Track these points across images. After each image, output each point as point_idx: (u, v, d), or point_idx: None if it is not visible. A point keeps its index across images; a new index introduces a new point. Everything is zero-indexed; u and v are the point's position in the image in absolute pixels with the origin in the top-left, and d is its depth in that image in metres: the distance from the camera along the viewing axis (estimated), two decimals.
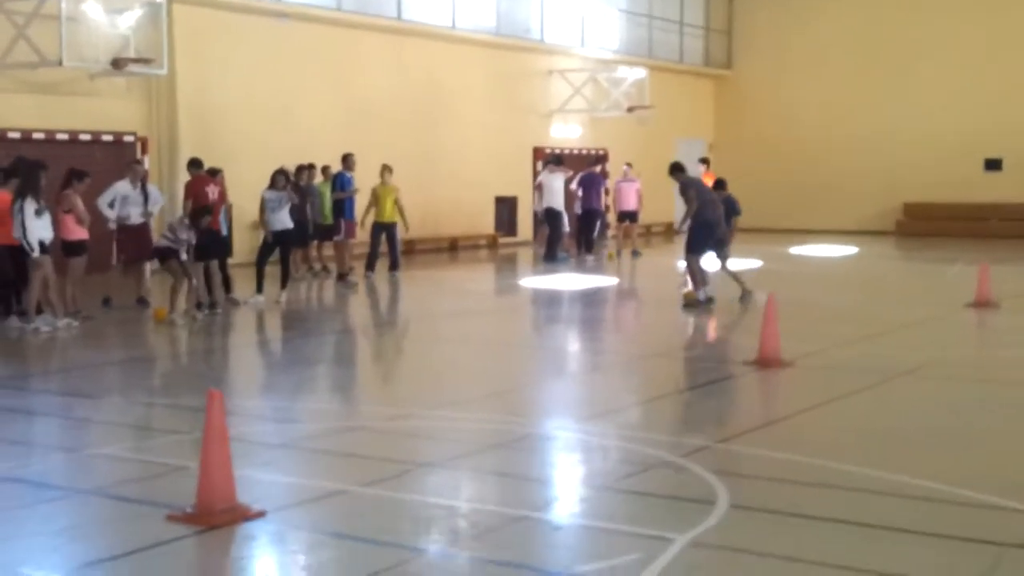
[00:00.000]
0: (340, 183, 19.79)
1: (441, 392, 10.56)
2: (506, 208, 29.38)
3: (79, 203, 14.46)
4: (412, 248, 25.64)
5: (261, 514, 6.39)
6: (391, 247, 19.82)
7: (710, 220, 15.95)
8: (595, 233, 24.38)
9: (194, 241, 14.69)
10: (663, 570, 5.54)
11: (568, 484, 7.33)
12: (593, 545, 6.04)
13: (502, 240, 28.74)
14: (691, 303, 15.73)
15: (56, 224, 14.01)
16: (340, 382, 11.54)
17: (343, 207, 19.73)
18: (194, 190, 16.26)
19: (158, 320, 14.35)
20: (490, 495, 7.04)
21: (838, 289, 19.26)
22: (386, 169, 19.64)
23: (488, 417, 9.23)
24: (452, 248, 27.20)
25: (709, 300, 15.82)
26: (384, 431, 8.80)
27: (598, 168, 25.35)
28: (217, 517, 6.30)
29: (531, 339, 14.69)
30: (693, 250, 15.97)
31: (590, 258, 23.75)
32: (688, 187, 16.10)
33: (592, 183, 24.22)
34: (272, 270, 16.55)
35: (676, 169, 16.43)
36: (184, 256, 14.58)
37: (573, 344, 14.23)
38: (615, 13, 32.89)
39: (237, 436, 7.64)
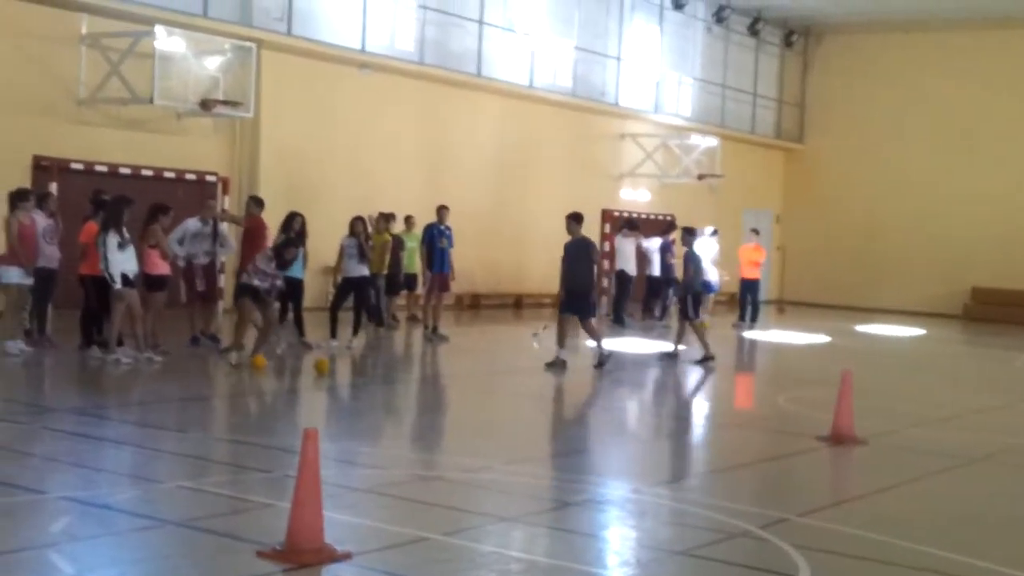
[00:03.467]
0: (431, 234, 19.29)
1: (516, 447, 10.63)
2: None
3: (163, 238, 14.74)
4: (477, 303, 25.82)
5: (348, 556, 6.48)
6: (377, 299, 19.10)
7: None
8: (667, 300, 24.19)
9: (280, 280, 14.53)
10: None
11: (647, 548, 7.33)
12: None
13: None
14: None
15: (140, 258, 14.28)
16: (417, 430, 11.68)
17: (433, 260, 19.11)
18: (252, 231, 16.28)
19: (257, 368, 13.97)
20: (569, 553, 7.07)
21: (908, 370, 19.18)
22: (383, 218, 19.26)
23: (563, 475, 9.29)
24: (517, 305, 27.31)
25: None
26: (463, 482, 8.88)
27: (672, 235, 25.32)
28: (306, 556, 6.39)
29: (601, 400, 14.72)
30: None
31: (659, 324, 23.70)
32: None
33: (667, 249, 24.21)
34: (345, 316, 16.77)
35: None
36: (268, 293, 14.33)
37: (643, 408, 14.26)
38: (689, 81, 33.13)
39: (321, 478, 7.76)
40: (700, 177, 30.79)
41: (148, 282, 14.57)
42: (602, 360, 15.62)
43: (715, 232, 25.22)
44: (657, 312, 24.28)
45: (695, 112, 33.32)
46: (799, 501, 8.91)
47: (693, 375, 18.01)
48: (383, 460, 9.54)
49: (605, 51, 30.18)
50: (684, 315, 17.71)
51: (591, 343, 16.02)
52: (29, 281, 14.10)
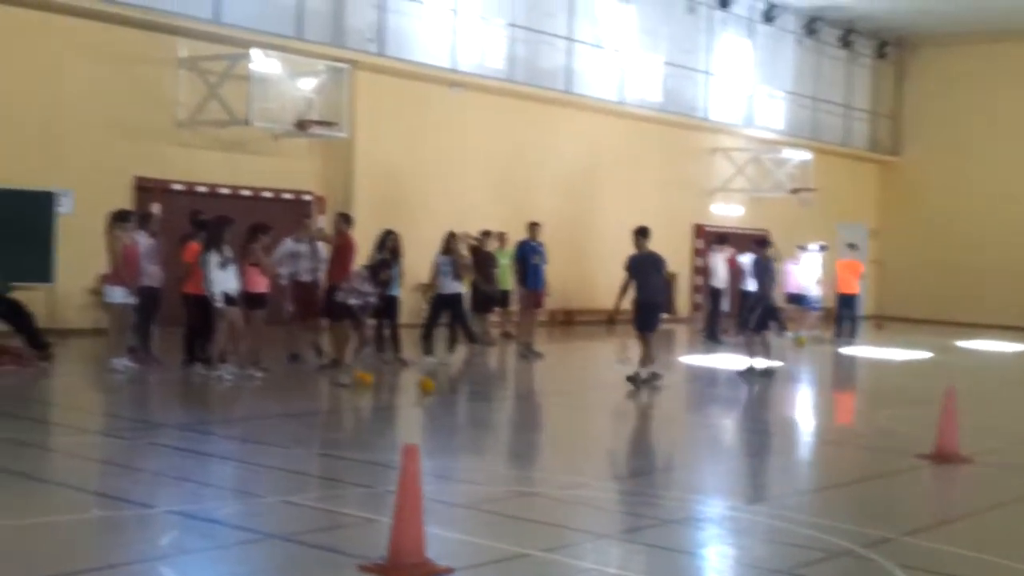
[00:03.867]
0: (524, 251, 19.21)
1: (613, 463, 10.63)
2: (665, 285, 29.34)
3: (263, 256, 14.97)
4: (570, 319, 25.82)
5: (448, 571, 6.52)
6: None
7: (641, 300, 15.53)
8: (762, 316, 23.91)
9: (375, 298, 14.63)
10: None
11: (747, 566, 7.26)
12: None
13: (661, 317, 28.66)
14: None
15: (241, 276, 14.52)
16: (514, 447, 11.72)
17: (527, 276, 19.07)
18: (341, 248, 16.27)
19: (364, 385, 14.04)
20: (668, 571, 7.04)
21: (1012, 386, 18.72)
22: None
23: (661, 492, 9.26)
24: (610, 321, 27.16)
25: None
26: (560, 499, 8.89)
27: (769, 249, 24.97)
28: (407, 571, 6.44)
29: (698, 417, 14.65)
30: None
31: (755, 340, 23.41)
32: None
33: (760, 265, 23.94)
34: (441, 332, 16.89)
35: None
36: (364, 310, 14.39)
37: (740, 424, 14.14)
38: (780, 94, 32.86)
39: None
40: (793, 191, 30.49)
41: (249, 300, 14.81)
42: (641, 378, 15.04)
43: (823, 247, 24.95)
44: (745, 326, 24.00)
45: (787, 125, 33.03)
46: (903, 520, 8.76)
47: (788, 391, 17.84)
48: (481, 476, 9.59)
49: (695, 65, 30.07)
50: (745, 325, 17.92)
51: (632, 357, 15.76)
52: (132, 300, 14.42)
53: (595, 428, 13.05)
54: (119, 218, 14.72)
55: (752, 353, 17.44)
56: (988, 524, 8.69)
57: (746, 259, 24.03)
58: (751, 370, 17.28)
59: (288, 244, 16.30)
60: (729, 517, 8.52)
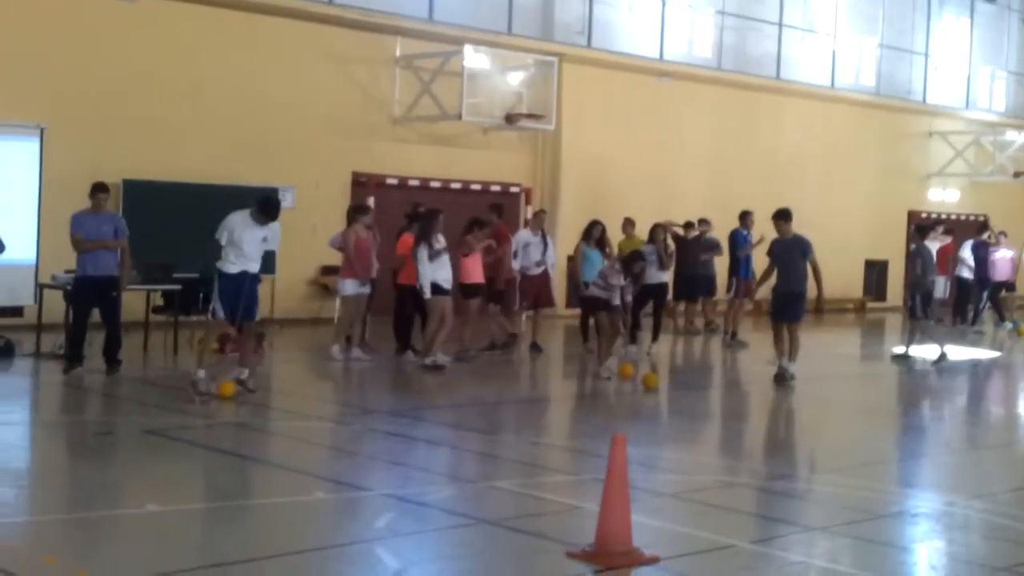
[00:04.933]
0: (736, 240, 19.21)
1: (821, 455, 10.48)
2: (876, 272, 28.62)
3: (476, 245, 15.28)
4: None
5: (655, 559, 6.58)
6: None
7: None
8: (981, 303, 23.11)
9: (630, 291, 14.45)
10: None
11: (964, 562, 7.05)
12: None
13: (870, 304, 28.00)
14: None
15: (457, 268, 14.88)
16: (719, 437, 11.71)
17: (738, 265, 19.04)
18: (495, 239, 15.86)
19: (626, 377, 13.99)
20: (884, 566, 6.91)
21: None
22: (628, 223, 18.71)
23: (871, 486, 9.09)
24: (817, 311, 26.62)
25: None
26: (768, 490, 8.85)
27: (986, 235, 24.08)
28: (615, 559, 6.54)
29: (908, 409, 14.28)
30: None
31: (971, 329, 22.66)
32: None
33: (979, 251, 23.09)
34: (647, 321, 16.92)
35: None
36: (616, 303, 14.18)
37: (953, 416, 13.72)
38: (1003, 74, 31.51)
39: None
40: (1016, 175, 29.19)
41: (463, 290, 15.17)
42: (785, 375, 14.22)
43: (1003, 234, 23.92)
44: (970, 316, 23.19)
45: (1010, 107, 31.64)
46: None
47: (1006, 383, 17.19)
48: (687, 466, 9.61)
49: (911, 47, 29.13)
50: (912, 314, 17.28)
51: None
52: (366, 291, 14.92)
53: (800, 419, 12.91)
54: (357, 212, 15.24)
55: (913, 340, 17.31)
56: None
57: (964, 247, 23.24)
58: (942, 357, 16.89)
59: (522, 235, 16.58)
60: (945, 512, 8.30)
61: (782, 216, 14.63)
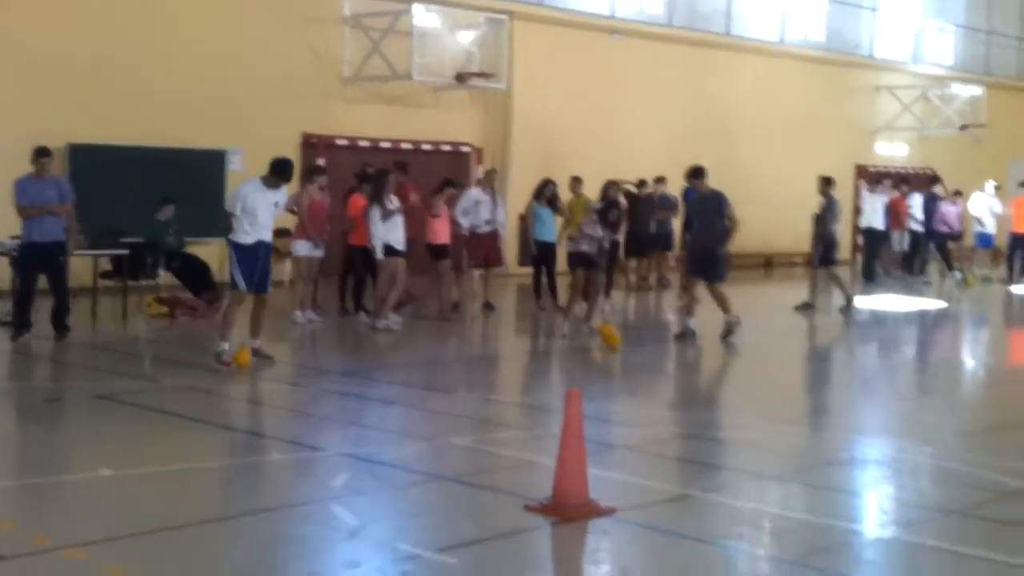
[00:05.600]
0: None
1: (772, 406, 10.57)
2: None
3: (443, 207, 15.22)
4: (728, 264, 25.55)
5: (612, 511, 6.63)
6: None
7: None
8: (927, 255, 23.41)
9: (607, 242, 14.32)
10: None
11: (917, 507, 7.17)
12: (955, 569, 5.93)
13: None
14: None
15: (424, 228, 14.89)
16: (672, 390, 11.80)
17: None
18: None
19: (609, 340, 13.34)
20: (836, 511, 6.99)
21: None
22: (576, 181, 18.36)
23: (822, 434, 9.21)
24: (767, 265, 26.91)
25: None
26: (722, 441, 8.94)
27: (936, 188, 24.30)
28: (572, 511, 6.58)
29: (855, 357, 14.44)
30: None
31: (919, 280, 22.95)
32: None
33: (929, 204, 23.32)
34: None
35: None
36: (597, 256, 13.99)
37: (901, 365, 13.89)
38: (951, 28, 31.72)
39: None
40: (963, 128, 29.48)
41: (432, 251, 15.12)
42: (730, 329, 13.97)
43: (998, 187, 24.21)
44: (917, 267, 23.50)
45: (957, 60, 31.89)
46: None
47: (955, 332, 17.43)
48: (641, 419, 9.67)
49: (859, 2, 29.24)
50: (817, 263, 17.91)
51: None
52: (319, 253, 14.83)
53: (752, 371, 12.99)
54: (311, 173, 15.11)
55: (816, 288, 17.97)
56: None
57: (914, 199, 23.48)
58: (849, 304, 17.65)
59: (472, 193, 16.53)
60: (896, 458, 8.42)
61: (695, 175, 14.37)
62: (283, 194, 11.61)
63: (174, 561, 5.78)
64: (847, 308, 17.52)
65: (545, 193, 16.53)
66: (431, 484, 7.34)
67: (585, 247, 13.94)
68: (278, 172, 11.35)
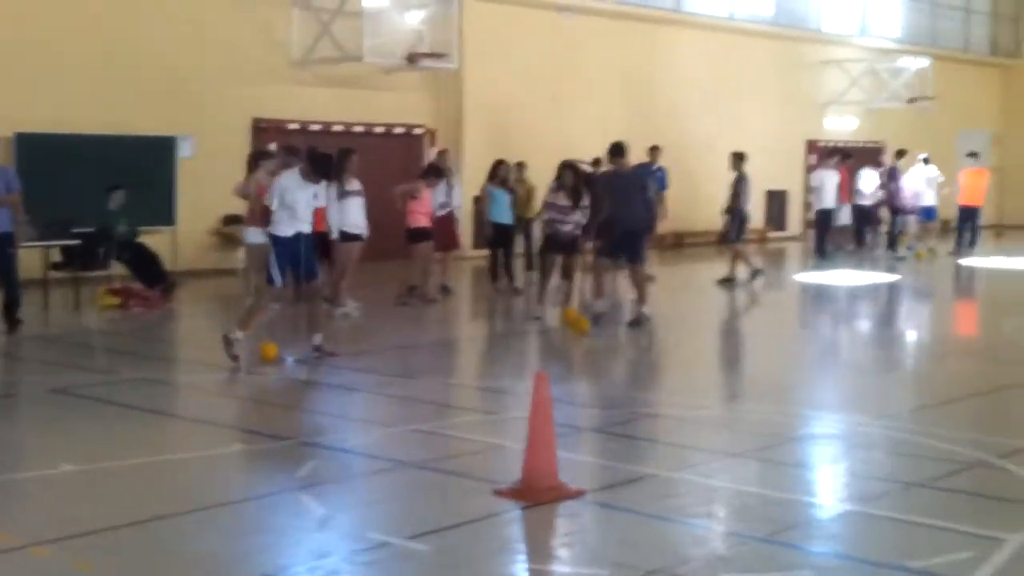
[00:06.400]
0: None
1: (731, 383, 10.64)
2: (776, 202, 29.01)
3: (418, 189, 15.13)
4: (680, 241, 25.67)
5: (581, 493, 6.63)
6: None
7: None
8: (896, 230, 23.59)
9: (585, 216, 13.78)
10: (998, 570, 5.45)
11: (881, 479, 7.22)
12: (919, 540, 5.95)
13: (772, 235, 28.41)
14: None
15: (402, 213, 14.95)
16: (631, 371, 11.81)
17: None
18: None
19: (575, 326, 13.20)
20: (802, 487, 7.06)
21: None
22: (518, 167, 18.29)
23: (785, 410, 9.25)
24: (720, 241, 26.98)
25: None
26: (684, 419, 8.94)
27: (892, 162, 24.38)
28: (542, 494, 6.56)
29: (815, 334, 14.54)
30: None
31: (871, 254, 23.16)
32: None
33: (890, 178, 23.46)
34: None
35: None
36: (576, 233, 13.61)
37: (859, 339, 13.99)
38: (897, 1, 31.93)
39: None
40: (911, 100, 29.73)
41: (409, 235, 15.04)
42: (639, 321, 13.44)
43: (927, 160, 24.35)
44: (877, 242, 23.71)
45: (904, 33, 32.11)
46: None
47: (909, 305, 17.60)
48: (603, 400, 9.67)
49: None
50: (726, 238, 18.49)
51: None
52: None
53: (710, 349, 13.06)
54: (259, 157, 14.91)
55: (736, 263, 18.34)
56: None
57: (867, 174, 23.57)
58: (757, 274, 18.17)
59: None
60: (856, 432, 8.47)
61: (616, 152, 13.98)
62: (322, 187, 11.55)
63: (140, 556, 5.71)
64: (751, 280, 18.01)
65: (499, 174, 16.47)
66: (397, 471, 7.29)
67: (561, 225, 13.59)
68: (318, 168, 11.16)
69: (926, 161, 23.98)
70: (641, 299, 13.61)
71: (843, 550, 5.82)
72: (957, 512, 6.43)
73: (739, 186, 18.32)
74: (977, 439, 7.98)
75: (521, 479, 6.66)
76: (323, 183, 11.48)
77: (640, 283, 13.69)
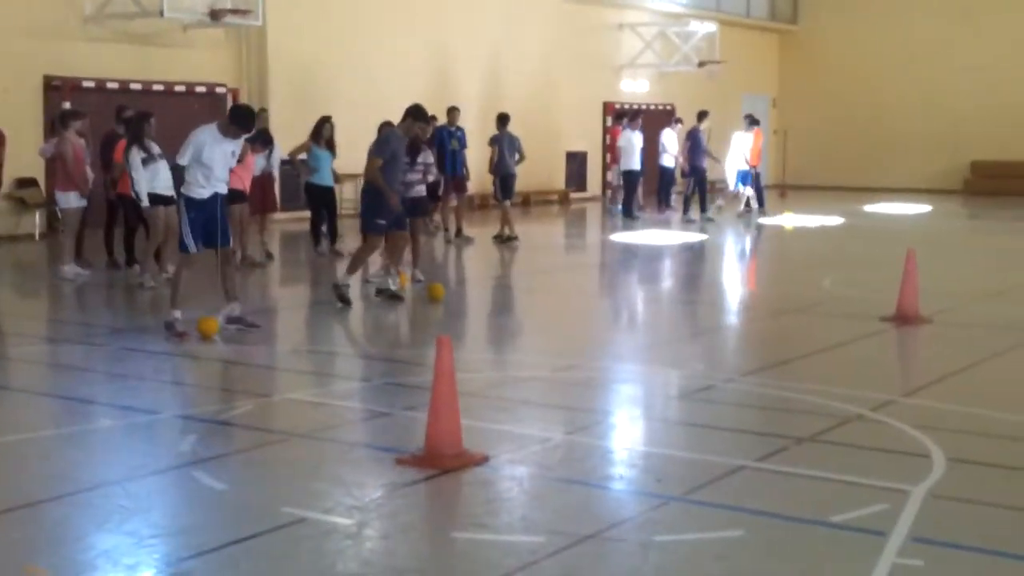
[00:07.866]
0: (441, 137, 18.71)
1: (595, 343, 10.67)
2: (576, 163, 29.40)
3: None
4: (487, 204, 25.68)
5: (486, 459, 6.50)
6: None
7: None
8: (690, 190, 24.07)
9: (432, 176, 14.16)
10: (916, 520, 5.60)
11: (772, 435, 7.29)
12: (831, 495, 6.03)
13: (573, 196, 28.78)
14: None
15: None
16: (489, 333, 11.71)
17: (445, 162, 18.68)
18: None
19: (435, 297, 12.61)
20: (700, 445, 7.06)
21: (934, 247, 18.92)
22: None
23: (652, 369, 9.35)
24: (525, 203, 27.16)
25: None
26: (558, 381, 8.92)
27: (701, 125, 24.79)
28: (447, 461, 6.40)
29: (647, 294, 14.77)
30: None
31: (671, 214, 23.73)
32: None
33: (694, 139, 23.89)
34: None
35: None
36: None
37: (692, 299, 14.24)
38: None
39: (420, 385, 7.79)
40: (701, 64, 30.56)
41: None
42: (341, 295, 12.18)
43: (678, 121, 24.92)
44: (671, 202, 24.27)
45: None
46: (896, 382, 9.02)
47: (723, 264, 18.09)
48: (471, 364, 9.54)
49: None
50: (496, 197, 19.06)
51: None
52: (83, 203, 13.91)
53: (556, 310, 13.06)
54: (69, 117, 14.02)
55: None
56: (977, 380, 8.96)
57: (669, 135, 24.04)
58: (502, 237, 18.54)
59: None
60: (728, 389, 8.60)
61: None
62: (239, 143, 10.48)
63: (26, 546, 5.22)
64: (508, 239, 18.42)
65: (324, 134, 16.05)
66: (289, 442, 6.99)
67: (414, 193, 13.39)
68: (240, 122, 10.20)
69: (677, 122, 24.55)
70: (394, 264, 12.97)
71: (763, 507, 5.85)
72: (856, 466, 6.55)
73: (499, 145, 18.90)
74: (844, 393, 8.16)
75: (424, 447, 6.48)
76: (240, 141, 10.51)
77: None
